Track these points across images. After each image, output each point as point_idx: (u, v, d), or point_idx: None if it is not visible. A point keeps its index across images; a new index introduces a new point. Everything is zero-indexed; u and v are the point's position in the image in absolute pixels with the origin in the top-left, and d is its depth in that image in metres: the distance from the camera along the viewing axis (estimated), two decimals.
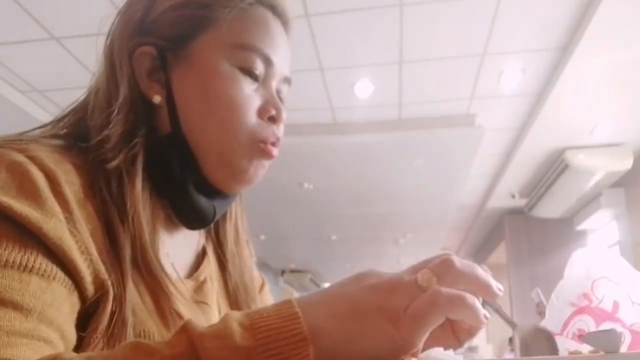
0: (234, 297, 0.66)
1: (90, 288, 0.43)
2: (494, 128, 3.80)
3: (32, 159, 0.45)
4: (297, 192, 4.96)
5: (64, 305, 0.41)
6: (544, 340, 0.47)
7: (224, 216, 0.68)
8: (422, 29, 2.74)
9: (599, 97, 3.24)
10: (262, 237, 6.32)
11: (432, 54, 2.96)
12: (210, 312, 0.60)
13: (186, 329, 0.33)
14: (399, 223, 6.27)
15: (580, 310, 0.48)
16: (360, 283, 0.38)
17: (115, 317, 0.44)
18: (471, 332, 0.46)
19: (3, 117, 3.42)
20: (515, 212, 5.65)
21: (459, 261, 0.39)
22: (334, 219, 6.10)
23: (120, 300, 0.45)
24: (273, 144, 0.58)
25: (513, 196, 5.14)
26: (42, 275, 0.40)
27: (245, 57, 0.56)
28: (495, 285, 0.39)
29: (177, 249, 0.60)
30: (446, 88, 3.34)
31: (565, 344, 0.47)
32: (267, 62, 0.57)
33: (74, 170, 0.48)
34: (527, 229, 5.62)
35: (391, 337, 0.35)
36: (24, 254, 0.39)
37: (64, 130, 0.55)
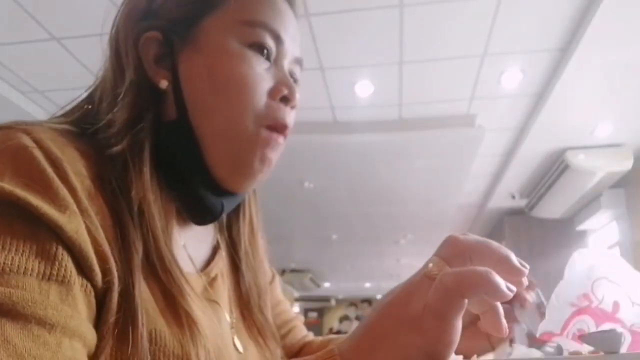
0: (246, 299, 0.63)
1: (100, 283, 0.41)
2: (495, 128, 3.80)
3: (38, 142, 0.42)
4: (298, 191, 4.96)
5: (82, 310, 0.39)
6: None
7: (237, 213, 0.66)
8: (422, 29, 2.74)
9: (599, 98, 3.24)
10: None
11: (433, 54, 2.96)
12: (220, 312, 0.57)
13: None
14: (399, 223, 6.27)
15: (580, 311, 0.48)
16: (380, 305, 0.37)
17: (124, 311, 0.42)
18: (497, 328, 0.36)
19: (3, 117, 3.41)
20: (515, 213, 5.65)
21: (464, 237, 0.36)
22: (334, 218, 6.10)
23: (128, 293, 0.43)
24: (280, 130, 0.55)
25: (513, 196, 5.14)
26: (62, 282, 0.38)
27: (255, 34, 0.54)
28: (517, 259, 0.36)
29: (193, 241, 0.58)
30: (446, 88, 3.34)
31: (565, 344, 0.47)
32: (277, 39, 0.55)
33: (81, 158, 0.45)
34: (527, 229, 5.62)
35: (419, 348, 0.34)
36: (42, 258, 0.37)
37: (71, 119, 0.53)
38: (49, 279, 0.37)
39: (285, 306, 0.75)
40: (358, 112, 3.67)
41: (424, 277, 0.35)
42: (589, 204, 4.63)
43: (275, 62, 0.56)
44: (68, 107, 0.55)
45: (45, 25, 2.72)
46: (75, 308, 0.38)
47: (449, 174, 4.51)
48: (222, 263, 0.62)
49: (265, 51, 0.54)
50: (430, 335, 0.33)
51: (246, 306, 0.63)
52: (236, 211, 0.66)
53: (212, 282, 0.58)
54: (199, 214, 0.56)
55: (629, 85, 3.06)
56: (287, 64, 0.58)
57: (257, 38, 0.54)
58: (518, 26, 2.68)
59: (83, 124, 0.51)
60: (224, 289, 0.60)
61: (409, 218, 6.01)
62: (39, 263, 0.37)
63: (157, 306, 0.46)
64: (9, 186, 0.38)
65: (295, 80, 0.59)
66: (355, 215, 5.92)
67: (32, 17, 2.64)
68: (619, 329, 0.42)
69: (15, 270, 0.36)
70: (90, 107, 0.54)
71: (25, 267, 0.36)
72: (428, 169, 4.37)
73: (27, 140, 0.42)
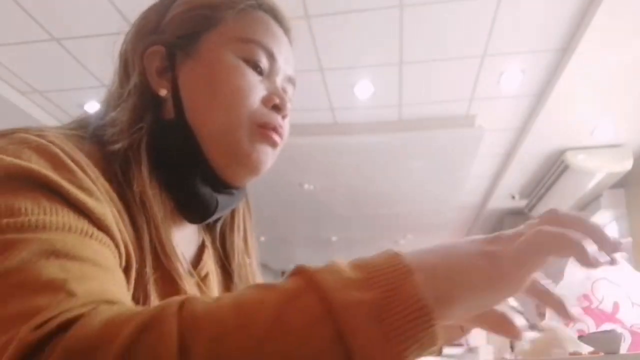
0: None
1: (122, 263, 0.45)
2: (494, 129, 3.80)
3: (53, 143, 0.46)
4: (298, 193, 4.95)
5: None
6: None
7: (232, 228, 0.70)
8: (422, 29, 2.74)
9: (599, 98, 3.24)
10: (262, 238, 6.31)
11: (432, 55, 2.96)
12: None
13: (298, 271, 0.35)
14: (399, 224, 6.27)
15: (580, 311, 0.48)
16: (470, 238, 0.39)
17: (139, 291, 0.47)
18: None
19: (3, 117, 3.42)
20: (515, 213, 5.64)
21: (563, 211, 0.39)
22: (334, 220, 6.10)
23: (141, 274, 0.48)
24: (275, 130, 0.59)
25: (513, 197, 5.13)
26: (101, 241, 0.42)
27: (249, 49, 0.59)
28: (614, 237, 0.39)
29: (184, 242, 0.62)
30: (446, 89, 3.34)
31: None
32: (270, 56, 0.60)
33: (88, 158, 0.49)
34: None
35: (487, 273, 0.35)
36: (80, 222, 0.41)
37: (77, 126, 0.57)
38: (90, 236, 0.41)
39: None
40: (358, 113, 3.67)
41: (516, 233, 0.38)
42: (588, 205, 4.62)
43: (268, 77, 0.61)
44: (74, 119, 0.60)
45: (45, 25, 2.72)
46: (114, 264, 0.43)
47: (448, 174, 4.50)
48: (210, 262, 0.65)
49: (259, 68, 0.59)
50: (501, 269, 0.35)
51: None
52: (231, 225, 0.70)
53: (203, 280, 0.62)
54: (194, 210, 0.59)
55: (629, 85, 3.06)
56: (279, 80, 0.62)
57: (250, 53, 0.59)
58: (518, 26, 2.68)
59: (90, 133, 0.55)
60: (214, 287, 0.64)
61: (408, 218, 6.00)
62: (78, 224, 0.41)
63: (158, 298, 0.50)
64: (43, 169, 0.42)
65: (288, 98, 0.63)
66: (355, 217, 5.92)
67: (32, 17, 2.64)
68: (619, 330, 0.42)
69: (61, 228, 0.39)
70: (95, 117, 0.58)
71: (69, 225, 0.40)
72: (428, 169, 4.37)
73: (43, 141, 0.46)
